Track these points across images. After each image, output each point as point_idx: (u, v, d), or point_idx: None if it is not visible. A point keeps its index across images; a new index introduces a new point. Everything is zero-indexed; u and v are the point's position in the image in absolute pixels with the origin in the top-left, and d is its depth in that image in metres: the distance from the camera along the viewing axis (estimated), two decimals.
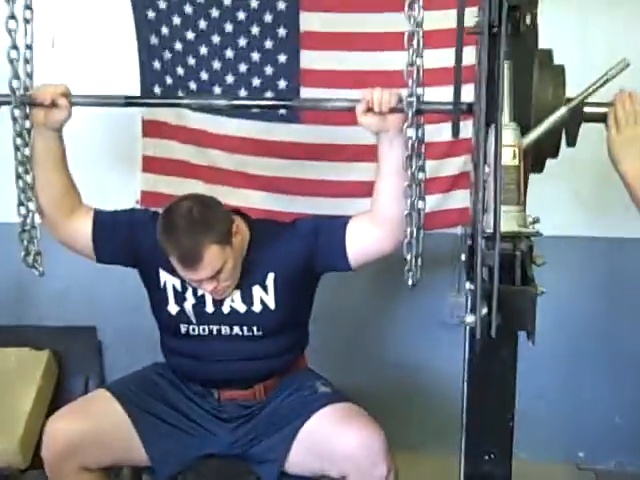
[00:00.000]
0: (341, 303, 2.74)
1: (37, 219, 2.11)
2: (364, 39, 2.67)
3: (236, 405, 2.23)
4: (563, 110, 1.53)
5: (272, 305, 2.17)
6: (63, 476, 2.13)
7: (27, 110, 2.00)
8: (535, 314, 1.29)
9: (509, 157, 1.29)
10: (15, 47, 1.94)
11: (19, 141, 2.00)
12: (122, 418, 2.15)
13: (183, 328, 2.20)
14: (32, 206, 2.07)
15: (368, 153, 2.71)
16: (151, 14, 2.77)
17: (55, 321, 3.14)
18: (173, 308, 2.20)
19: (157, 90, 2.83)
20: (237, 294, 2.17)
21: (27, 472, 2.63)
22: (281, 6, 2.68)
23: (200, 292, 2.17)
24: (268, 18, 2.70)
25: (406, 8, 1.78)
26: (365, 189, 2.75)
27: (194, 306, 2.18)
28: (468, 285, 1.33)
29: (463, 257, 1.46)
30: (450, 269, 2.88)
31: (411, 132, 1.82)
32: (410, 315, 3.02)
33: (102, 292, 3.12)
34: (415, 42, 1.81)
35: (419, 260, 1.94)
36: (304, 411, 2.13)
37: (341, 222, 2.15)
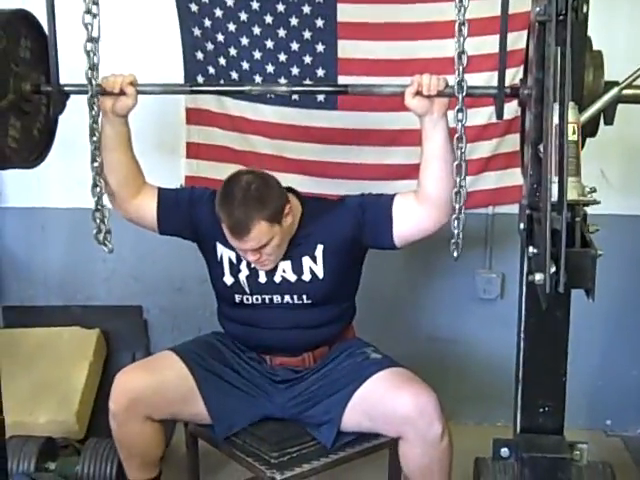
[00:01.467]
0: (378, 280, 2.84)
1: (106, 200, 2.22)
2: (398, 29, 2.80)
3: (287, 369, 2.36)
4: (616, 90, 1.67)
5: (321, 274, 2.30)
6: (128, 425, 2.25)
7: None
8: (595, 273, 1.42)
9: (570, 133, 1.42)
10: (91, 40, 2.05)
11: (95, 126, 2.11)
12: (185, 374, 2.28)
13: (237, 298, 2.33)
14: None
15: (401, 137, 2.89)
16: (194, 7, 2.90)
17: (103, 301, 3.27)
18: (229, 279, 2.33)
19: (200, 79, 2.96)
20: (288, 264, 2.30)
21: (83, 442, 2.72)
22: None
23: (254, 264, 2.30)
24: (307, 10, 2.83)
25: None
26: (399, 172, 2.92)
27: (248, 277, 2.31)
28: (531, 249, 1.47)
29: (522, 226, 1.59)
30: (481, 248, 3.05)
31: (461, 115, 1.94)
32: (444, 291, 3.14)
33: (147, 273, 3.25)
34: (463, 31, 1.89)
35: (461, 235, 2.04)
36: (358, 375, 2.24)
37: (387, 199, 2.27)
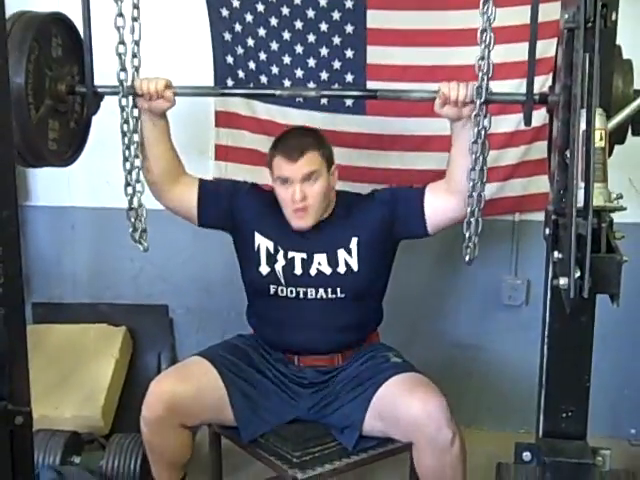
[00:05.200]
0: (403, 286, 2.85)
1: (143, 201, 2.25)
2: (428, 36, 2.81)
3: (315, 371, 2.37)
4: None
5: (355, 267, 2.33)
6: (162, 432, 2.25)
7: (132, 100, 2.16)
8: (620, 279, 1.43)
9: (597, 139, 1.43)
10: (123, 42, 2.11)
11: (126, 127, 2.16)
12: (216, 380, 2.29)
13: (272, 289, 2.35)
14: (139, 187, 2.22)
15: (430, 143, 2.90)
16: (225, 12, 2.94)
17: (130, 299, 3.30)
18: (264, 269, 2.36)
19: (230, 83, 2.99)
20: (324, 257, 2.33)
21: (108, 437, 2.76)
22: (349, 4, 2.83)
23: (290, 255, 2.34)
24: (336, 16, 2.84)
25: (481, 6, 1.90)
26: (427, 177, 2.87)
27: (284, 268, 2.34)
28: (556, 254, 1.48)
29: (547, 231, 1.60)
30: (506, 254, 3.05)
31: (486, 122, 1.98)
32: (469, 297, 3.14)
33: (175, 273, 3.28)
34: (487, 38, 1.93)
35: (476, 239, 2.09)
36: (376, 380, 2.26)
37: (418, 190, 2.33)
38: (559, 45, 1.68)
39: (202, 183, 2.42)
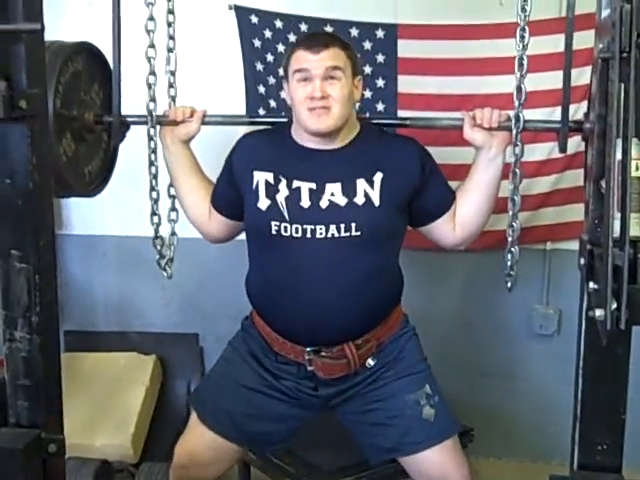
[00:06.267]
0: (434, 313, 2.84)
1: (176, 229, 2.30)
2: (459, 65, 2.83)
3: (331, 386, 2.13)
4: None
5: (376, 201, 2.01)
6: None
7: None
8: None
9: (633, 169, 1.42)
10: (153, 73, 2.14)
11: (153, 157, 2.19)
12: (215, 439, 2.17)
13: (274, 226, 2.01)
14: (173, 215, 2.27)
15: (460, 172, 2.85)
16: (257, 43, 2.98)
17: (161, 328, 3.32)
18: (263, 203, 2.03)
19: (261, 112, 3.02)
20: (338, 187, 2.01)
21: (138, 466, 2.74)
22: (380, 34, 2.86)
23: (295, 185, 2.03)
24: (367, 45, 2.88)
25: (517, 35, 1.92)
26: None
27: (287, 198, 2.02)
28: (592, 285, 1.46)
29: (582, 261, 1.58)
30: (538, 283, 3.03)
31: (517, 149, 1.99)
32: (500, 326, 3.12)
33: (204, 302, 3.29)
34: (523, 66, 1.95)
35: (515, 268, 2.09)
36: (406, 441, 2.11)
37: (449, 199, 2.13)
38: (593, 74, 1.67)
39: (213, 201, 2.23)
